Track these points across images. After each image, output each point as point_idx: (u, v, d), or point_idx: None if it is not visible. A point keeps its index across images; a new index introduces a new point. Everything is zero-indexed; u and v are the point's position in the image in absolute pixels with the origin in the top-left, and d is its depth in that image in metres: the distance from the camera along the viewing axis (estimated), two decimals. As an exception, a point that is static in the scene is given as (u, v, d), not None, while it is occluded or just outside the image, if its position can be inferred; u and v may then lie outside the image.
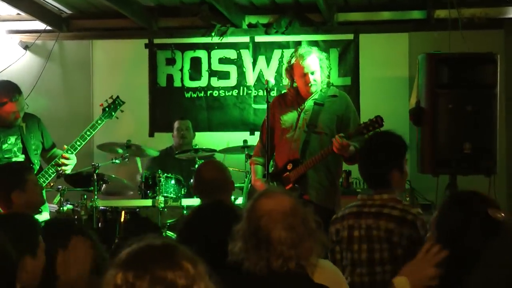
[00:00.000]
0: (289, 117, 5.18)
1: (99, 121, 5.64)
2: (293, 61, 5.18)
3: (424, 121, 5.51)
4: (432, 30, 7.03)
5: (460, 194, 2.75)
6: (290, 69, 5.20)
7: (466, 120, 5.39)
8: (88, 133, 5.53)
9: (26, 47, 7.85)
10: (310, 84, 5.13)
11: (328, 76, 5.26)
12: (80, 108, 7.70)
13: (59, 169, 5.42)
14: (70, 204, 6.08)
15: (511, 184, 6.86)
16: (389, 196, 3.56)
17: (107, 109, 5.75)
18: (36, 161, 5.47)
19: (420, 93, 5.60)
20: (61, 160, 5.40)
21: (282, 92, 5.61)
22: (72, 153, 5.45)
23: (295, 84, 5.22)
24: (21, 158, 5.40)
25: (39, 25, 7.70)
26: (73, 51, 7.90)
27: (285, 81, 5.30)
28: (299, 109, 5.22)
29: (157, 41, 7.73)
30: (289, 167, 5.11)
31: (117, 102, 5.80)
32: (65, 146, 5.48)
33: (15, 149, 5.40)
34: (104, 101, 5.80)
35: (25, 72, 7.50)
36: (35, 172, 5.37)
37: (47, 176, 5.42)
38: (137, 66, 7.75)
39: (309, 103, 5.20)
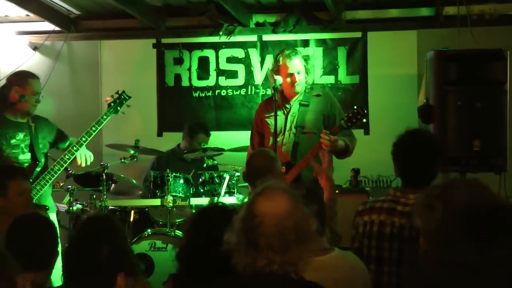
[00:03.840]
0: (277, 121, 5.23)
1: (104, 117, 5.65)
2: (280, 62, 5.33)
3: (433, 118, 5.49)
4: (440, 27, 7.01)
5: None
6: (277, 70, 5.32)
7: (475, 117, 5.36)
8: (93, 128, 5.55)
9: (35, 48, 7.89)
10: (296, 84, 5.26)
11: (312, 78, 5.50)
12: (89, 108, 7.70)
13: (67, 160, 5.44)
14: (79, 204, 6.09)
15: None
16: None
17: (112, 104, 5.75)
18: (41, 159, 5.50)
19: (429, 90, 5.58)
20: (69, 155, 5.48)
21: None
22: (77, 149, 5.47)
23: (280, 87, 5.33)
24: (27, 154, 5.44)
25: (48, 26, 7.73)
26: (82, 52, 7.92)
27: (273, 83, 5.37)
28: (285, 111, 5.35)
29: (164, 40, 7.73)
30: (283, 170, 5.17)
31: (122, 97, 5.80)
32: (77, 139, 5.56)
33: (23, 145, 5.45)
34: (110, 96, 5.81)
35: (34, 73, 7.51)
36: (40, 169, 5.40)
37: (52, 173, 5.44)
38: (145, 66, 7.76)
39: (294, 105, 5.35)
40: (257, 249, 2.39)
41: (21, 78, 5.57)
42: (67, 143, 5.70)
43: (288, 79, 5.31)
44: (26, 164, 5.40)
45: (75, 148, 5.47)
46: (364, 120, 5.15)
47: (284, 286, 2.40)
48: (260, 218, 2.41)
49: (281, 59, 5.33)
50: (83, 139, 5.50)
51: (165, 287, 2.98)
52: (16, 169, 4.89)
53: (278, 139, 5.29)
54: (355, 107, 5.09)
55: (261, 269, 2.38)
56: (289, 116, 5.35)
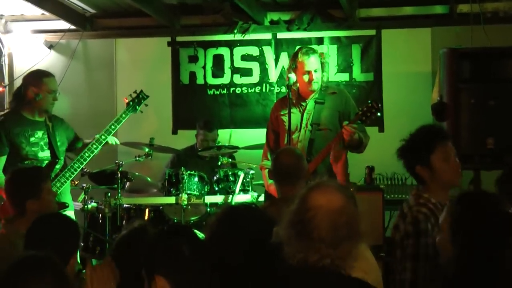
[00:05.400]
0: (292, 119, 5.27)
1: (123, 115, 5.72)
2: (298, 59, 5.36)
3: (447, 116, 5.49)
4: (454, 24, 6.99)
5: (470, 195, 2.77)
6: (295, 68, 5.38)
7: (488, 114, 5.36)
8: (112, 127, 5.62)
9: (50, 46, 7.94)
10: (313, 82, 5.32)
11: (327, 76, 5.53)
12: (104, 106, 7.75)
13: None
14: (94, 202, 6.14)
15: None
16: (416, 193, 3.44)
17: (131, 103, 5.82)
18: (61, 157, 5.56)
19: (442, 88, 5.58)
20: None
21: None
22: (97, 147, 5.54)
23: (296, 85, 5.37)
24: (47, 152, 5.48)
25: (63, 24, 7.78)
26: (97, 50, 7.96)
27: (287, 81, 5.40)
28: (301, 109, 5.40)
29: (179, 39, 7.76)
30: None
31: (141, 96, 5.88)
32: (96, 136, 5.62)
33: (42, 143, 5.50)
34: (128, 96, 5.87)
35: (49, 71, 7.57)
36: (60, 167, 5.46)
37: (72, 170, 5.49)
38: (160, 64, 7.80)
39: (310, 103, 5.42)
40: (310, 243, 2.41)
41: (36, 78, 5.62)
42: (80, 144, 5.75)
43: (306, 77, 5.34)
44: (46, 162, 5.45)
45: (94, 146, 5.54)
46: (379, 114, 5.18)
47: (338, 282, 2.42)
48: (314, 212, 2.43)
49: (299, 56, 5.37)
50: (103, 137, 5.58)
51: None
52: (42, 169, 4.96)
53: (294, 136, 5.33)
54: (369, 101, 5.13)
55: (313, 264, 2.40)
56: (305, 114, 5.38)
